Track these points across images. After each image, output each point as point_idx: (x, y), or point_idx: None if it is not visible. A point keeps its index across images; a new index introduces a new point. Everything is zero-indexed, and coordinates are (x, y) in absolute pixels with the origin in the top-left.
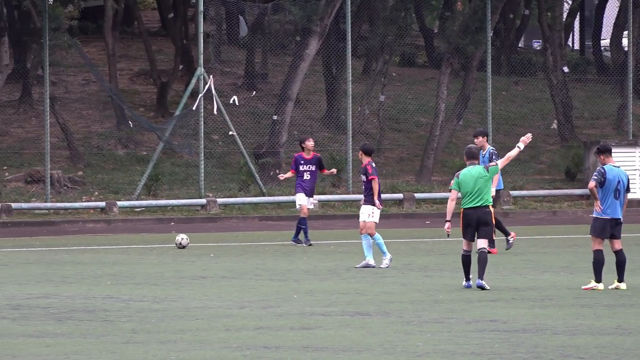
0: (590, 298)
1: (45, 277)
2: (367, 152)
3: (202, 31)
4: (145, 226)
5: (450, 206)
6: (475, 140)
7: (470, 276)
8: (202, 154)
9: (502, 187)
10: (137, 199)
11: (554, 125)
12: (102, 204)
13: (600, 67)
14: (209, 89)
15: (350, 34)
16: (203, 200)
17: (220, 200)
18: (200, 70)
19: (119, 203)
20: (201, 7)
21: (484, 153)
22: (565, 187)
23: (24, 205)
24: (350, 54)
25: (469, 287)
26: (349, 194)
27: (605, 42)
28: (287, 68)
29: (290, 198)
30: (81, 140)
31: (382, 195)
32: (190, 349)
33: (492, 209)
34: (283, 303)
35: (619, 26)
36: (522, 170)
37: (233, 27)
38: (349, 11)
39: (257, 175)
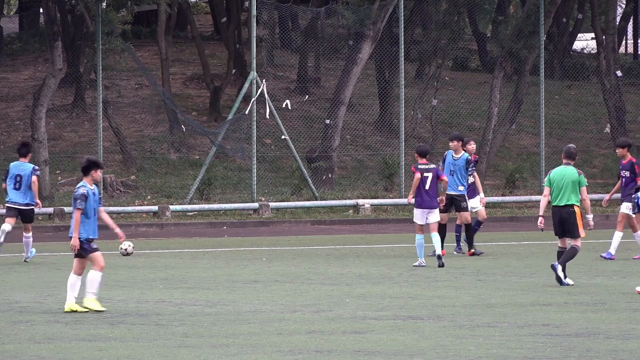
0: None
1: None
2: (421, 154)
3: (254, 35)
4: (197, 230)
5: (543, 202)
6: (450, 144)
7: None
8: (255, 158)
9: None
10: (189, 203)
11: (607, 129)
12: (155, 208)
13: None
14: (262, 93)
15: (403, 38)
16: (255, 205)
17: (272, 204)
18: (253, 74)
19: (172, 207)
20: (254, 11)
21: (456, 157)
22: (618, 191)
23: None
24: (402, 58)
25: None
26: (401, 198)
27: None
28: (339, 72)
29: (342, 202)
30: (134, 144)
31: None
32: (242, 352)
33: (577, 209)
34: (335, 307)
35: None
36: None
37: (286, 31)
38: (402, 15)
39: (309, 179)
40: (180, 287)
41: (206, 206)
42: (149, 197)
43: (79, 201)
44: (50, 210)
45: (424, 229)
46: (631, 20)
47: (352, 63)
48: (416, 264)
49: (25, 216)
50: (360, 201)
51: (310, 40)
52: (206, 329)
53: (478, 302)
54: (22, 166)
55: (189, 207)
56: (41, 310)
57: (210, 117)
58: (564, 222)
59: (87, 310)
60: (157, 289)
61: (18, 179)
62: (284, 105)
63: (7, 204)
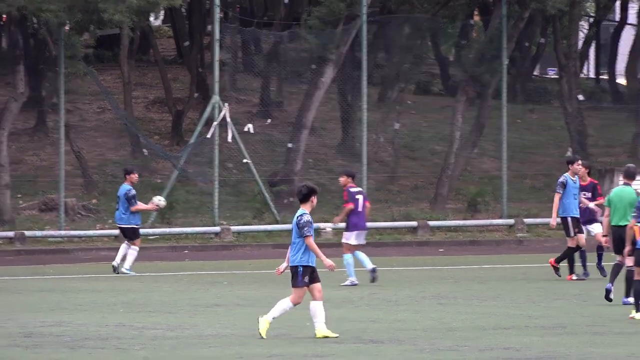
0: (603, 326)
1: (58, 305)
2: (352, 176)
3: (217, 59)
4: (159, 254)
5: (605, 222)
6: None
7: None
8: (217, 182)
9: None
10: (151, 227)
11: (569, 153)
12: (116, 232)
13: (615, 95)
14: (224, 117)
15: (365, 62)
16: (217, 228)
17: (234, 228)
18: (216, 98)
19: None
20: (217, 35)
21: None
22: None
23: (38, 233)
24: (365, 82)
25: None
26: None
27: (620, 69)
28: (302, 96)
29: None
30: (96, 168)
31: (398, 223)
32: None
33: (637, 229)
34: (296, 331)
35: (634, 54)
36: (537, 198)
37: (249, 54)
38: (365, 39)
39: (271, 203)
40: (141, 310)
41: (168, 230)
42: (110, 221)
43: (306, 229)
44: (11, 234)
45: (352, 248)
46: (593, 44)
47: (315, 87)
48: (347, 283)
49: None
50: (322, 225)
51: (273, 64)
52: (167, 352)
53: (439, 326)
54: None
55: (151, 230)
56: (1, 335)
57: (173, 141)
58: (624, 240)
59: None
60: (119, 312)
61: None
62: (246, 129)
63: None
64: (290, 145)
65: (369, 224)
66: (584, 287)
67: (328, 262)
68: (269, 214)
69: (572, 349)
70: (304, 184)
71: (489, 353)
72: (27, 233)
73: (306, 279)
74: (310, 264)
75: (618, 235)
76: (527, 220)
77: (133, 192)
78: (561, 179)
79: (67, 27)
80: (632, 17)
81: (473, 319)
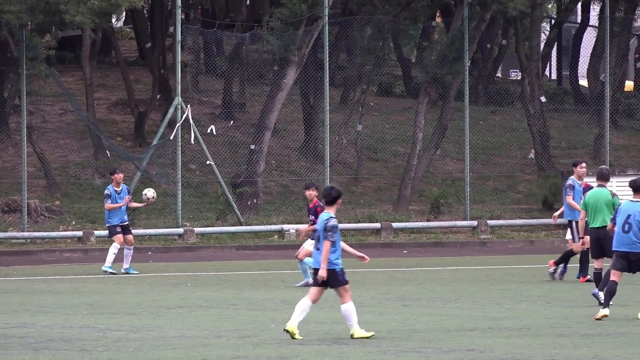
0: (568, 328)
1: (22, 307)
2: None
3: (179, 61)
4: (122, 255)
5: (581, 224)
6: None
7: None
8: (180, 184)
9: None
10: None
11: (531, 155)
12: (79, 233)
13: (578, 97)
14: (187, 119)
15: (327, 63)
16: (180, 230)
17: (197, 229)
18: (178, 99)
19: (96, 232)
20: (179, 37)
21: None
22: (542, 216)
23: (1, 234)
24: (327, 84)
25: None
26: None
27: (582, 71)
28: (264, 97)
29: (267, 227)
30: (58, 170)
31: (361, 224)
32: None
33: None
34: (260, 332)
35: (596, 56)
36: (500, 200)
37: (211, 56)
38: (327, 41)
39: (234, 205)
40: (104, 312)
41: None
42: (73, 222)
43: (330, 233)
44: None
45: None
46: (555, 46)
47: (277, 88)
48: (302, 283)
49: None
50: (286, 226)
51: (235, 65)
52: (131, 354)
53: (403, 328)
54: None
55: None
56: None
57: (135, 142)
58: (601, 242)
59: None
60: (82, 314)
61: None
62: (208, 131)
63: None
64: (252, 146)
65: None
66: (548, 288)
67: (323, 273)
68: (232, 216)
69: (537, 351)
70: (332, 186)
71: (452, 355)
72: None
73: (346, 277)
74: (341, 265)
75: (596, 237)
76: (491, 222)
77: (107, 191)
78: (569, 182)
79: (28, 28)
80: (593, 19)
81: (437, 320)
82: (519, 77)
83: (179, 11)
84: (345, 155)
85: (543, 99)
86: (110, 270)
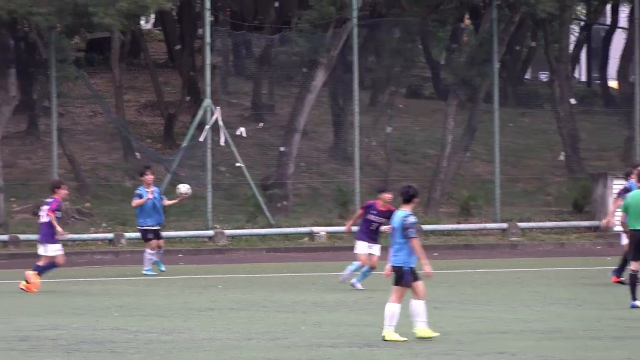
0: (599, 330)
1: (54, 309)
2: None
3: (209, 63)
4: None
5: (624, 227)
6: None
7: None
8: (210, 186)
9: None
10: None
11: (561, 157)
12: (110, 235)
13: (607, 99)
14: (216, 121)
15: (357, 65)
16: (211, 232)
17: (227, 231)
18: (207, 101)
19: (127, 234)
20: (208, 39)
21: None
22: (572, 218)
23: (32, 236)
24: (357, 86)
25: (633, 306)
26: (356, 225)
27: (611, 73)
28: (294, 99)
29: (297, 230)
30: (88, 172)
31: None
32: None
33: None
34: (291, 335)
35: (626, 58)
36: (530, 202)
37: (240, 58)
38: (356, 43)
39: (264, 207)
40: (135, 314)
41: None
42: (104, 224)
43: (412, 230)
44: (5, 237)
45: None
46: (584, 47)
47: (306, 90)
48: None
49: None
50: (316, 229)
51: (264, 67)
52: (162, 356)
53: (434, 330)
54: None
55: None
56: None
57: (165, 144)
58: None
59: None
60: (113, 316)
61: None
62: (238, 133)
63: None
64: (282, 148)
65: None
66: (579, 291)
67: (428, 268)
68: (262, 218)
69: (568, 353)
70: (409, 185)
71: (484, 357)
72: (21, 237)
73: (411, 278)
74: (412, 265)
75: (637, 239)
76: (521, 224)
77: (137, 191)
78: (626, 185)
79: (57, 31)
80: (623, 21)
81: (468, 323)
82: (548, 79)
83: (208, 13)
84: (374, 157)
85: (573, 100)
86: (150, 273)
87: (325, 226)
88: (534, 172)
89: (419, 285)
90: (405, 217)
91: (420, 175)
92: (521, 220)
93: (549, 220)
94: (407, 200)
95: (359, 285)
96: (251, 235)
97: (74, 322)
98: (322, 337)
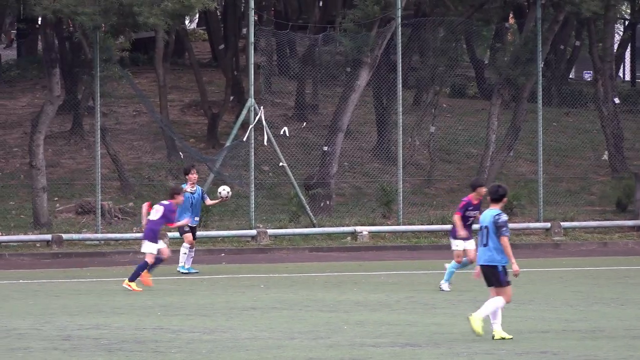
0: None
1: (96, 308)
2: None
3: (252, 62)
4: (195, 257)
5: None
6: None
7: None
8: (253, 185)
9: None
10: None
11: (605, 157)
12: None
13: None
14: (260, 120)
15: (400, 65)
16: (253, 232)
17: (270, 231)
18: (251, 101)
19: (169, 234)
20: (252, 39)
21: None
22: (616, 218)
23: (75, 236)
24: (400, 85)
25: None
26: (399, 225)
27: None
28: (337, 99)
29: (340, 229)
30: (132, 172)
31: (434, 226)
32: None
33: None
34: (333, 334)
35: None
36: (573, 202)
37: (284, 57)
38: (400, 42)
39: (307, 206)
40: (178, 314)
41: (204, 233)
42: None
43: (504, 228)
44: (48, 237)
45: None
46: (629, 47)
47: (350, 90)
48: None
49: None
50: (358, 228)
51: (308, 67)
52: (204, 356)
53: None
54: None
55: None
56: (39, 337)
57: (208, 144)
58: None
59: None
60: (155, 315)
61: None
62: (281, 132)
63: None
64: (325, 148)
65: (404, 228)
66: (621, 290)
67: (516, 267)
68: (304, 217)
69: (610, 353)
70: (499, 184)
71: (525, 357)
72: (65, 236)
73: (508, 277)
74: (505, 264)
75: None
76: (564, 224)
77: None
78: None
79: (102, 30)
80: None
81: (509, 322)
82: (592, 79)
83: (252, 13)
84: (418, 156)
85: (617, 100)
86: (183, 271)
87: (368, 226)
88: (577, 172)
89: (509, 288)
90: (498, 215)
91: (463, 175)
92: (564, 220)
93: (592, 219)
94: (497, 199)
95: (447, 287)
96: (294, 234)
97: (116, 321)
98: (364, 336)
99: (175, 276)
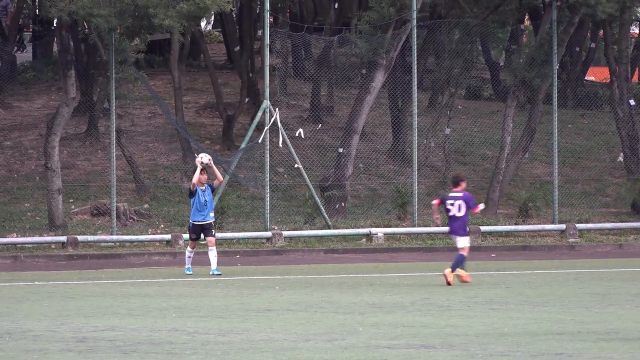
0: None
1: (111, 310)
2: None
3: (268, 64)
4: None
5: None
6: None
7: None
8: (268, 187)
9: None
10: None
11: (620, 158)
12: (168, 236)
13: None
14: (275, 122)
15: (416, 66)
16: (269, 233)
17: (285, 233)
18: (266, 103)
19: (185, 236)
20: (267, 41)
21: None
22: (631, 220)
23: (90, 238)
24: (416, 87)
25: None
26: (414, 226)
27: None
28: (352, 101)
29: (355, 231)
30: (147, 173)
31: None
32: None
33: None
34: (348, 336)
35: None
36: (588, 203)
37: (299, 59)
38: (415, 44)
39: (322, 208)
40: (193, 315)
41: (219, 234)
42: (162, 225)
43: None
44: (63, 239)
45: None
46: None
47: (365, 92)
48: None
49: None
50: (373, 230)
51: (323, 68)
52: (219, 357)
53: (491, 331)
54: None
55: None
56: (54, 339)
57: (224, 145)
58: None
59: None
60: (170, 317)
61: None
62: (297, 134)
63: None
64: (341, 150)
65: (419, 229)
66: (637, 292)
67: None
68: (320, 219)
69: (625, 355)
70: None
71: (541, 358)
72: (80, 238)
73: None
74: None
75: None
76: (579, 226)
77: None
78: None
79: (117, 32)
80: None
81: (525, 324)
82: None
83: (267, 14)
84: (433, 158)
85: (632, 102)
86: (188, 272)
87: (383, 227)
88: (593, 174)
89: None
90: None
91: (478, 177)
92: (579, 222)
93: (608, 221)
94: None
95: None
96: (309, 236)
97: (131, 323)
98: (380, 338)
99: (191, 278)
